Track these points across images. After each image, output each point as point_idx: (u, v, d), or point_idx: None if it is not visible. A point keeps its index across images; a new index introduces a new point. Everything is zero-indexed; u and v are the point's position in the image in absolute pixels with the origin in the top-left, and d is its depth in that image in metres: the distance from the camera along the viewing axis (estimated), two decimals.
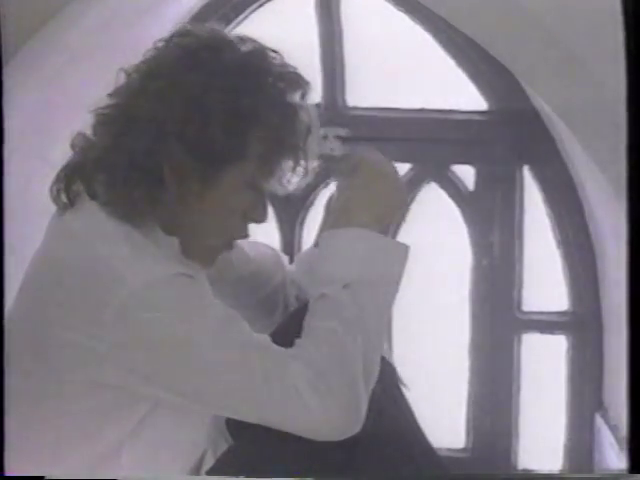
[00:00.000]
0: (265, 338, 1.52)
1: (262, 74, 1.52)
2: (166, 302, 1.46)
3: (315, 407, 1.46)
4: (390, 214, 1.61)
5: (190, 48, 1.52)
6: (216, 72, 1.50)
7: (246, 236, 1.60)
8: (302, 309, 1.65)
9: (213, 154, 1.50)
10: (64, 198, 1.54)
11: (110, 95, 1.54)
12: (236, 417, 1.51)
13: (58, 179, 1.55)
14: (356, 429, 1.48)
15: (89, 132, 1.54)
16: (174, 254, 1.54)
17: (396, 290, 1.57)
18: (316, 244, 1.75)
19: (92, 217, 1.51)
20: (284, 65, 1.55)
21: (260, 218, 1.59)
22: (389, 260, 1.57)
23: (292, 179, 1.60)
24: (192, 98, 1.49)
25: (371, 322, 1.52)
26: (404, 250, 1.58)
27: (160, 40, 1.55)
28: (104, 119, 1.53)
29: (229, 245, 1.60)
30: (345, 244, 1.56)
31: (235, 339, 1.47)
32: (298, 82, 1.55)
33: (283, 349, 1.49)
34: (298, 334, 1.52)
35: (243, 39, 1.55)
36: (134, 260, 1.47)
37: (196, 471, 1.61)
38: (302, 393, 1.45)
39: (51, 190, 1.55)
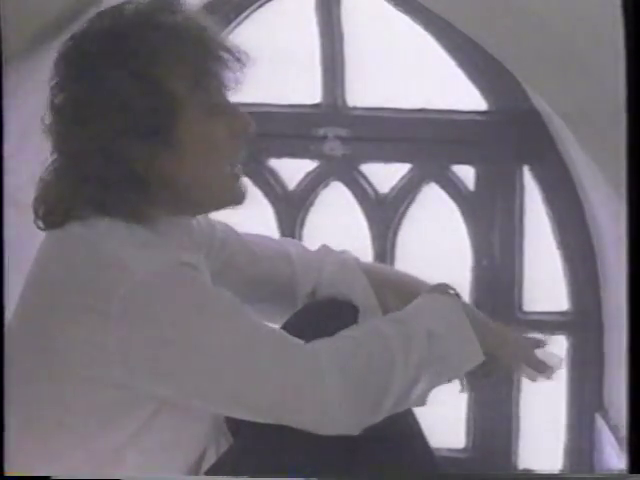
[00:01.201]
0: (278, 329, 1.52)
1: (141, 23, 1.53)
2: (171, 293, 1.46)
3: (332, 391, 1.46)
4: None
5: (68, 51, 1.54)
6: (100, 55, 1.51)
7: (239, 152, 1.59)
8: (313, 305, 1.66)
9: (157, 120, 1.50)
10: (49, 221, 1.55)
11: (50, 141, 1.55)
12: (243, 411, 1.50)
13: (37, 209, 1.56)
14: (358, 430, 1.48)
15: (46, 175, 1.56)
16: (178, 242, 1.55)
17: (449, 380, 1.60)
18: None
19: (91, 222, 1.51)
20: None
21: (244, 124, 1.58)
22: (466, 349, 1.59)
23: (237, 75, 1.58)
24: (103, 92, 1.50)
25: (427, 373, 1.54)
26: (477, 354, 1.60)
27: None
28: (53, 168, 1.55)
29: (238, 169, 1.59)
30: (444, 309, 1.60)
31: (243, 325, 1.47)
32: (174, 6, 1.55)
33: (298, 339, 1.49)
34: (307, 330, 1.52)
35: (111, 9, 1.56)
36: (138, 253, 1.47)
37: (196, 469, 1.61)
38: (323, 374, 1.45)
39: (36, 215, 1.56)
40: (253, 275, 1.80)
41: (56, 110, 1.54)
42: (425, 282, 1.81)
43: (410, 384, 1.52)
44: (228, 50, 1.56)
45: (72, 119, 1.52)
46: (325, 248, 1.86)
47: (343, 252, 1.86)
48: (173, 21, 1.53)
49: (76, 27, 1.56)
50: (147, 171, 1.51)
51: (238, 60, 1.57)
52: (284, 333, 1.50)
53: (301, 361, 1.47)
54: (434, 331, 1.54)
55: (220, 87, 1.56)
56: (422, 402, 1.56)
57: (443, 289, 1.67)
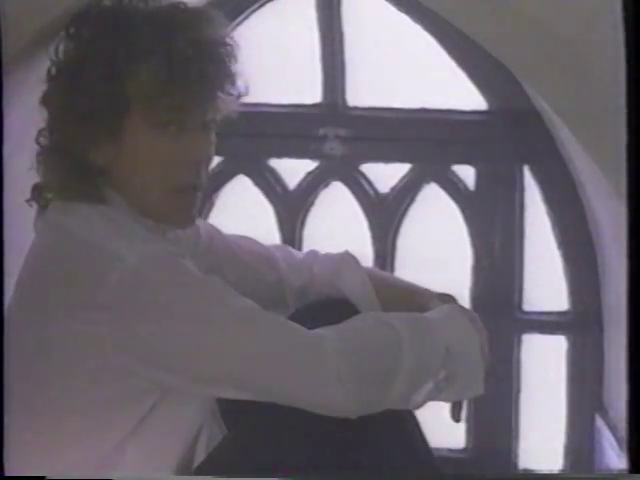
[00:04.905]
0: (275, 315, 1.53)
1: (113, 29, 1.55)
2: (162, 277, 1.46)
3: (335, 372, 1.46)
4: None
5: (74, 25, 1.58)
6: (94, 40, 1.54)
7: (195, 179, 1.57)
8: (311, 305, 1.66)
9: (110, 120, 1.52)
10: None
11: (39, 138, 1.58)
12: (243, 394, 1.50)
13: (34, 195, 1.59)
14: (356, 415, 1.49)
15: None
16: (161, 235, 1.56)
17: (448, 399, 1.61)
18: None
19: (78, 212, 1.52)
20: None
21: (201, 154, 1.56)
22: (474, 379, 1.60)
23: (233, 98, 1.59)
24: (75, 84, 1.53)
25: (432, 382, 1.55)
26: (480, 387, 1.61)
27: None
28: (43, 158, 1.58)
29: (193, 195, 1.58)
30: (464, 332, 1.59)
31: (237, 307, 1.48)
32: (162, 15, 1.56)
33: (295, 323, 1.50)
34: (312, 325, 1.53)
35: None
36: (124, 242, 1.48)
37: (190, 455, 1.60)
38: (325, 354, 1.47)
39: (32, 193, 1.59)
40: (239, 276, 1.80)
41: (50, 78, 1.56)
42: (428, 289, 1.81)
43: (414, 384, 1.52)
44: (215, 71, 1.55)
45: (62, 90, 1.54)
46: (313, 252, 1.87)
47: (343, 252, 1.86)
48: (161, 34, 1.54)
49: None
50: (106, 165, 1.53)
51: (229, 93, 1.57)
52: (279, 316, 1.52)
53: (301, 341, 1.47)
54: (451, 348, 1.55)
55: (193, 108, 1.54)
56: (418, 407, 1.56)
57: (448, 300, 1.68)
